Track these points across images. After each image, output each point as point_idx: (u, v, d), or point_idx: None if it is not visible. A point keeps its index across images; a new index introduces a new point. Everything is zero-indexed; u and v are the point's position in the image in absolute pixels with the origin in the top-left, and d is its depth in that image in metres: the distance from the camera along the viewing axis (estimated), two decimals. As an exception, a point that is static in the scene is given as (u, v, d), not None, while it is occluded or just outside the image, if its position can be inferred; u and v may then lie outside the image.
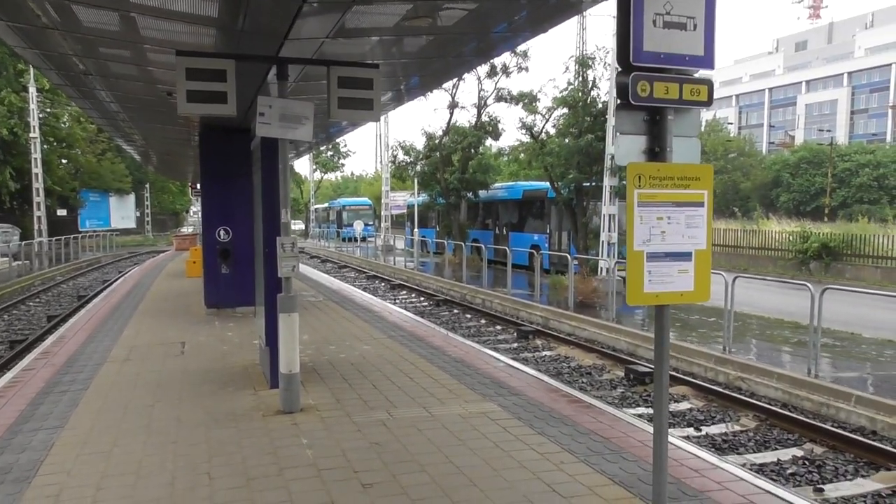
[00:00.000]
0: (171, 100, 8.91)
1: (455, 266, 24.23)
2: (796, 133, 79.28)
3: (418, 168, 30.36)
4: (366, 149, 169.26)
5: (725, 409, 8.40)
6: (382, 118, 36.71)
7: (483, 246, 20.67)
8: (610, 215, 18.44)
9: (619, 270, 15.00)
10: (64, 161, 44.48)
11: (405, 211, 41.90)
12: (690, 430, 7.71)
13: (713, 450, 7.08)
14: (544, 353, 11.90)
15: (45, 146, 39.62)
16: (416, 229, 33.17)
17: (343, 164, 66.28)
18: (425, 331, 10.74)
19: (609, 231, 18.42)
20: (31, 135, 33.52)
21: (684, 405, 8.68)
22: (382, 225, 38.68)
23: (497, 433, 5.64)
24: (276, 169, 6.22)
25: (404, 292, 20.73)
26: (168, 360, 8.52)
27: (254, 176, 8.05)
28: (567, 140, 20.04)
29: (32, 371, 7.92)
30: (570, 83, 21.75)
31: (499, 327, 14.40)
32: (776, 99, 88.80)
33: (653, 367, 4.28)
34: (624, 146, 3.98)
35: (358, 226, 42.01)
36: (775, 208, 54.55)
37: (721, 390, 9.00)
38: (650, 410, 8.55)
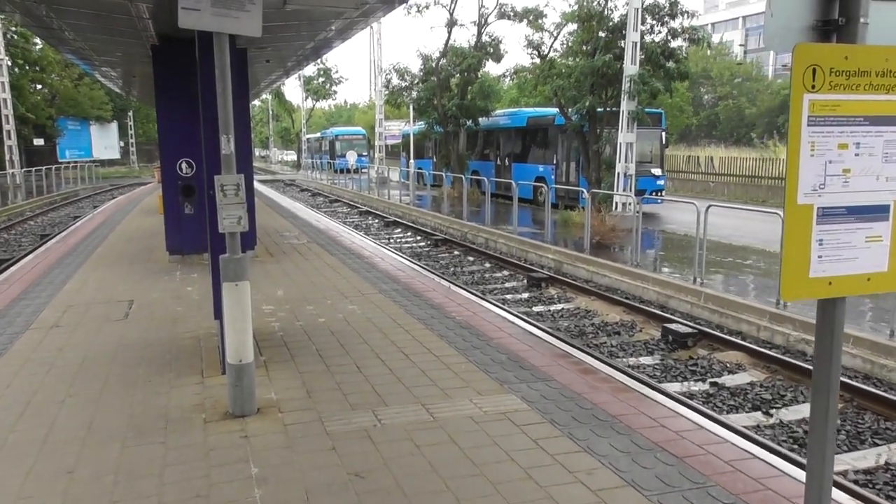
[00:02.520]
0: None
1: (454, 200, 22.46)
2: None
3: (414, 94, 28.12)
4: (360, 76, 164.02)
5: (796, 385, 6.85)
6: (375, 38, 34.14)
7: (486, 179, 18.84)
8: (627, 144, 16.58)
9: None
10: (38, 86, 41.82)
11: (401, 141, 39.75)
12: (759, 416, 6.17)
13: (795, 445, 5.56)
14: (561, 305, 10.32)
15: (16, 69, 37.05)
16: (411, 160, 31.17)
17: (336, 92, 63.08)
18: (423, 283, 9.10)
19: (626, 161, 16.60)
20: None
21: (742, 378, 7.13)
22: (377, 156, 36.62)
23: (526, 451, 4.05)
24: (210, 79, 4.40)
25: (399, 230, 19.03)
26: (106, 326, 6.90)
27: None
28: (579, 60, 17.92)
29: (-70, 344, 6.31)
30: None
31: (506, 272, 12.78)
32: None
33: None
34: (782, 14, 2.20)
35: (351, 157, 39.90)
36: (781, 134, 52.36)
37: (782, 357, 7.45)
38: (702, 386, 7.02)
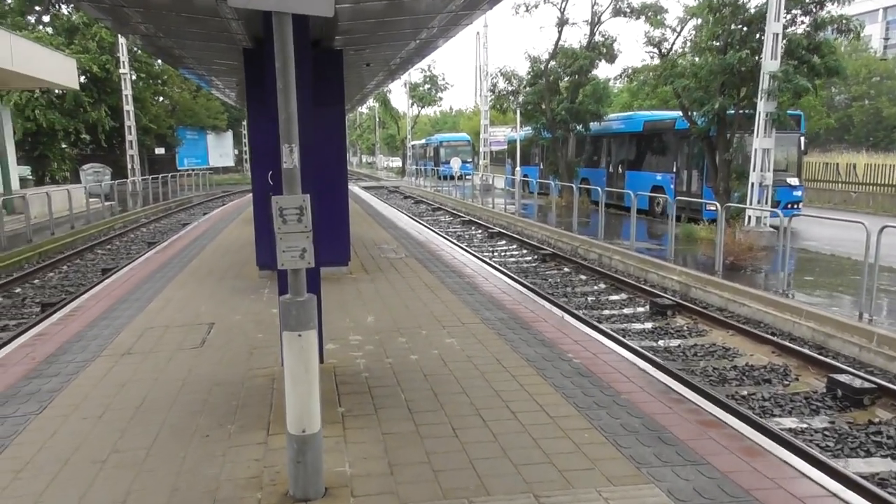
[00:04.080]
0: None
1: (561, 210, 21.09)
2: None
3: (521, 98, 26.92)
4: (465, 82, 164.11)
5: None
6: (481, 42, 33.26)
7: (599, 189, 17.38)
8: (764, 150, 14.67)
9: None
10: (160, 98, 43.94)
11: (506, 147, 38.64)
12: None
13: None
14: (693, 340, 8.84)
15: (140, 83, 38.99)
16: (517, 167, 29.95)
17: (441, 99, 63.07)
18: (532, 310, 7.94)
19: (762, 170, 14.69)
20: (121, 70, 32.58)
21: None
22: (481, 162, 35.70)
23: None
24: (270, 74, 3.46)
25: (503, 242, 17.90)
26: (179, 355, 6.20)
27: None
28: (708, 57, 16.14)
29: (-6, 372, 5.81)
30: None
31: (623, 296, 11.36)
32: (930, 15, 76.94)
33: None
34: None
35: (455, 163, 39.22)
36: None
37: None
38: (893, 466, 5.45)
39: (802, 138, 19.35)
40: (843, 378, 6.73)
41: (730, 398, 6.64)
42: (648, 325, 9.54)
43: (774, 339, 8.42)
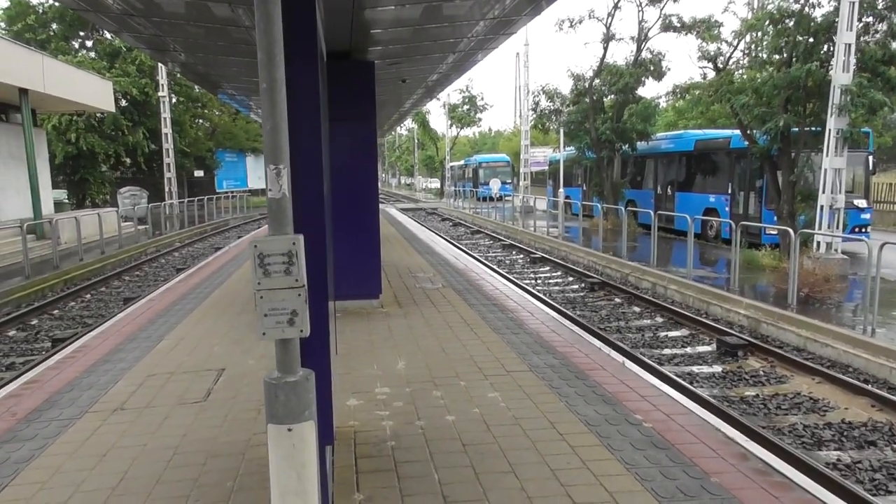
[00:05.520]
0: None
1: (607, 233, 19.91)
2: None
3: (564, 117, 25.93)
4: (505, 103, 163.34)
5: None
6: (521, 62, 32.45)
7: (650, 212, 16.21)
8: (835, 170, 13.37)
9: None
10: (199, 121, 44.16)
11: (546, 168, 37.61)
12: None
13: None
14: (772, 388, 7.65)
15: (180, 106, 39.16)
16: (560, 189, 28.88)
17: (480, 119, 62.57)
18: (586, 354, 6.89)
19: (833, 192, 13.38)
20: (160, 94, 32.62)
21: None
22: (521, 183, 34.71)
23: None
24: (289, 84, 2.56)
25: (547, 269, 16.82)
26: (178, 412, 5.33)
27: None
28: (771, 71, 14.92)
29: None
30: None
31: (685, 332, 10.20)
32: None
33: None
34: None
35: (495, 184, 38.37)
36: None
37: None
38: None
39: (871, 157, 17.93)
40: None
41: (832, 469, 5.49)
42: (718, 369, 8.38)
43: (872, 388, 7.19)
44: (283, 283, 2.34)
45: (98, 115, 30.63)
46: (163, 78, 32.13)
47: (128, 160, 36.12)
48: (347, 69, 8.73)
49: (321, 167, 3.16)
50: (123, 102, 34.20)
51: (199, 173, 42.47)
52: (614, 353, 7.10)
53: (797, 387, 7.61)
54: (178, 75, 35.15)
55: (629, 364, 6.69)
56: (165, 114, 32.10)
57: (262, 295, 2.34)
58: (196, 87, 40.05)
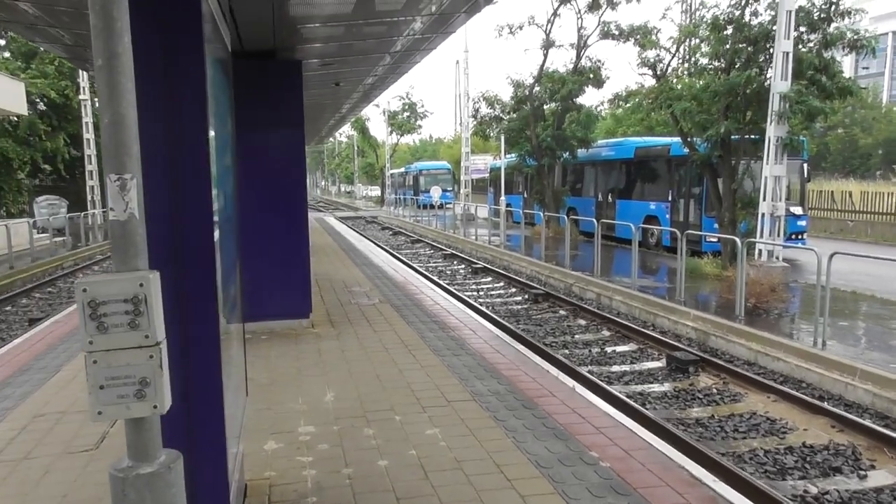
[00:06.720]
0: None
1: (549, 242, 19.55)
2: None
3: (504, 124, 25.60)
4: (445, 110, 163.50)
5: None
6: (462, 68, 32.10)
7: (593, 220, 15.92)
8: (775, 178, 13.34)
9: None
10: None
11: (487, 175, 37.35)
12: None
13: None
14: (727, 407, 7.26)
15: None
16: (502, 196, 28.57)
17: (420, 127, 61.90)
18: (533, 378, 6.34)
19: (773, 199, 13.33)
20: (81, 96, 30.82)
21: None
22: (462, 191, 34.29)
23: None
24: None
25: (489, 279, 16.32)
26: (60, 465, 4.50)
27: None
28: (710, 77, 14.83)
29: None
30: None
31: (633, 346, 9.80)
32: (904, 44, 77.41)
33: None
34: None
35: (435, 192, 37.94)
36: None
37: None
38: None
39: (805, 165, 18.16)
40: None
41: (797, 501, 5.09)
42: (669, 387, 7.96)
43: (829, 407, 6.88)
44: (127, 342, 1.66)
45: (12, 118, 28.67)
46: (84, 80, 30.37)
47: (47, 167, 34.01)
48: (272, 69, 8.00)
49: (208, 174, 2.48)
50: (41, 105, 32.20)
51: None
52: (563, 376, 6.58)
53: (752, 405, 7.25)
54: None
55: (580, 388, 6.17)
56: (87, 118, 30.33)
57: (95, 359, 1.65)
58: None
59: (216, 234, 2.67)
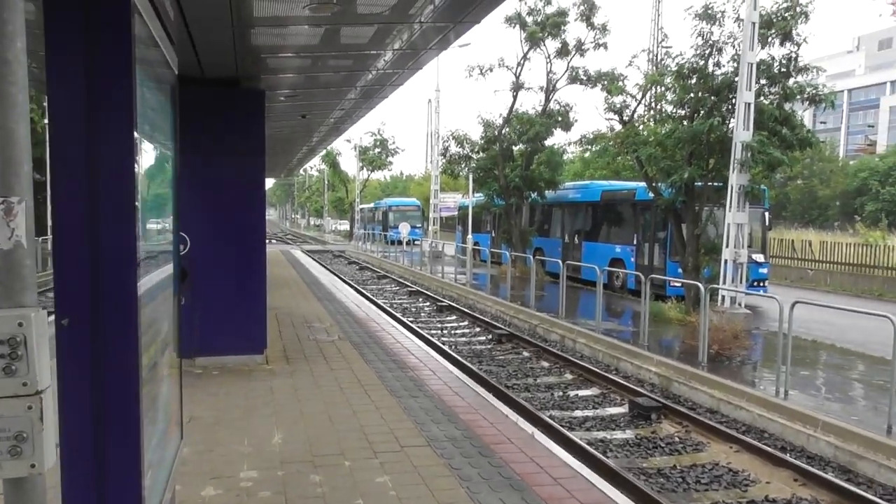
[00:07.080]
0: None
1: (515, 281, 19.47)
2: (878, 137, 71.31)
3: (473, 163, 25.70)
4: (416, 147, 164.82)
5: None
6: (433, 107, 32.33)
7: (559, 262, 15.89)
8: (737, 225, 13.49)
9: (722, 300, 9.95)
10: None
11: (456, 213, 37.42)
12: None
13: None
14: (688, 458, 7.12)
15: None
16: (469, 235, 28.53)
17: (391, 163, 61.90)
18: (492, 423, 6.13)
19: (735, 246, 13.46)
20: (46, 121, 30.21)
21: None
22: (430, 228, 34.25)
23: None
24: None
25: (453, 318, 16.11)
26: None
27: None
28: (674, 125, 15.06)
29: None
30: (667, 55, 16.89)
31: (595, 391, 9.65)
32: (856, 101, 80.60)
33: None
34: None
35: (404, 228, 37.78)
36: (860, 218, 48.04)
37: None
38: None
39: (767, 213, 18.49)
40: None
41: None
42: (630, 435, 7.80)
43: (792, 460, 6.77)
44: (1, 390, 1.44)
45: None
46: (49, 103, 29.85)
47: None
48: (235, 97, 7.85)
49: (132, 202, 2.27)
50: None
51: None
52: (523, 422, 6.38)
53: (715, 455, 7.11)
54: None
55: (538, 435, 5.97)
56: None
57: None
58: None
59: (145, 267, 2.45)
